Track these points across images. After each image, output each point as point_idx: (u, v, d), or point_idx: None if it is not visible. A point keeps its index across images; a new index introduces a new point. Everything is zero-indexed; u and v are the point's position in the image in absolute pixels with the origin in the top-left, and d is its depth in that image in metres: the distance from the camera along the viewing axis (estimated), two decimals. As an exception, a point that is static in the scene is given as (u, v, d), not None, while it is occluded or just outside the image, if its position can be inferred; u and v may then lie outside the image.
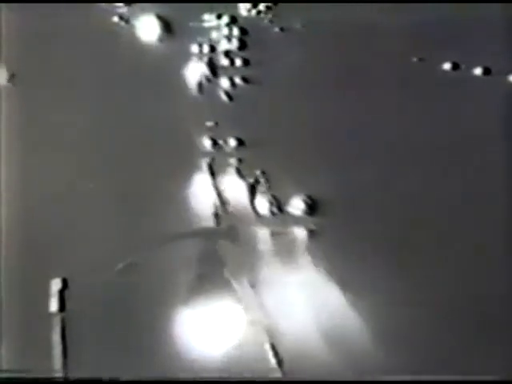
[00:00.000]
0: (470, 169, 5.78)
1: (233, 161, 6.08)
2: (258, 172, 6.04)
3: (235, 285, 5.67)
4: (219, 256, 5.68)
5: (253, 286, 5.68)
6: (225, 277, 5.62)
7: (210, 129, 6.10)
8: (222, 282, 5.62)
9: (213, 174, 6.03)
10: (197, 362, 5.42)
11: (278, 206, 5.94)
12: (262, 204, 5.99)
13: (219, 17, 6.13)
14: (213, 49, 6.17)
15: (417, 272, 5.51)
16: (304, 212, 5.91)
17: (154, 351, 5.46)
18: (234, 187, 6.05)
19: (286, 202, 5.91)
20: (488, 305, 5.39)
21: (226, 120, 6.10)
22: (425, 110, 5.89)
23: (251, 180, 6.04)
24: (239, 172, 6.06)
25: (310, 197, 5.89)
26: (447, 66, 5.96)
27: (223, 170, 6.08)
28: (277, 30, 6.11)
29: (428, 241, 5.61)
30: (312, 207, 5.91)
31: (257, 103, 6.09)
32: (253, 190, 6.02)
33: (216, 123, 6.13)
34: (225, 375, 5.31)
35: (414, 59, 5.97)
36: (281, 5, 6.14)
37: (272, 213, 5.94)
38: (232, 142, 6.13)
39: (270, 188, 5.98)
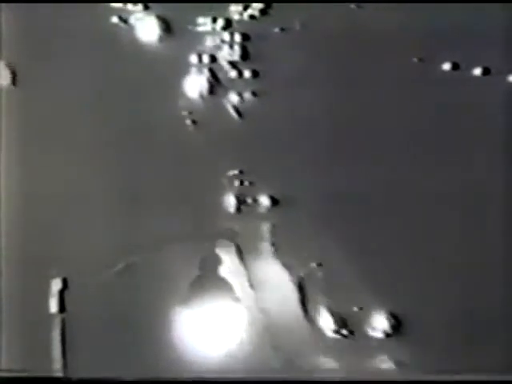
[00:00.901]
0: (470, 168, 5.79)
1: (265, 228, 4.76)
2: (313, 264, 4.55)
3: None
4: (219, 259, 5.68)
5: None
6: (223, 277, 5.64)
7: (232, 179, 5.50)
8: (221, 282, 5.64)
9: (242, 258, 4.86)
10: (197, 362, 5.43)
11: (344, 322, 4.39)
12: (322, 317, 4.46)
13: (214, 20, 6.09)
14: (213, 56, 6.12)
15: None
16: (385, 333, 4.53)
17: (153, 351, 5.47)
18: (273, 280, 4.66)
19: (359, 317, 4.51)
20: (488, 305, 5.42)
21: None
22: (425, 110, 5.89)
23: (299, 273, 4.44)
24: (277, 255, 4.62)
25: (393, 314, 4.61)
26: (447, 66, 5.96)
27: (253, 248, 4.83)
28: (277, 30, 6.10)
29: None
30: (397, 328, 4.56)
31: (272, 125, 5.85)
32: (301, 289, 4.42)
33: (240, 171, 5.27)
34: (225, 375, 5.32)
35: (414, 59, 5.97)
36: (278, 6, 6.12)
37: (337, 332, 4.42)
38: (264, 200, 4.86)
39: (328, 289, 4.52)
